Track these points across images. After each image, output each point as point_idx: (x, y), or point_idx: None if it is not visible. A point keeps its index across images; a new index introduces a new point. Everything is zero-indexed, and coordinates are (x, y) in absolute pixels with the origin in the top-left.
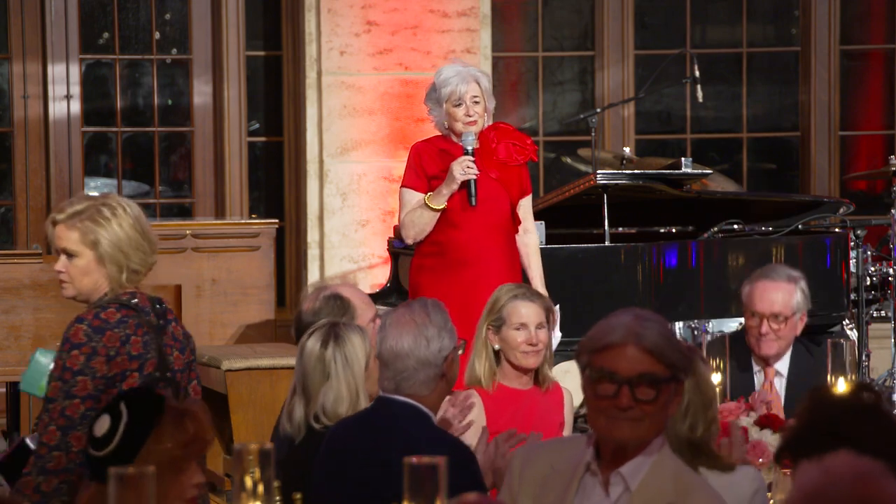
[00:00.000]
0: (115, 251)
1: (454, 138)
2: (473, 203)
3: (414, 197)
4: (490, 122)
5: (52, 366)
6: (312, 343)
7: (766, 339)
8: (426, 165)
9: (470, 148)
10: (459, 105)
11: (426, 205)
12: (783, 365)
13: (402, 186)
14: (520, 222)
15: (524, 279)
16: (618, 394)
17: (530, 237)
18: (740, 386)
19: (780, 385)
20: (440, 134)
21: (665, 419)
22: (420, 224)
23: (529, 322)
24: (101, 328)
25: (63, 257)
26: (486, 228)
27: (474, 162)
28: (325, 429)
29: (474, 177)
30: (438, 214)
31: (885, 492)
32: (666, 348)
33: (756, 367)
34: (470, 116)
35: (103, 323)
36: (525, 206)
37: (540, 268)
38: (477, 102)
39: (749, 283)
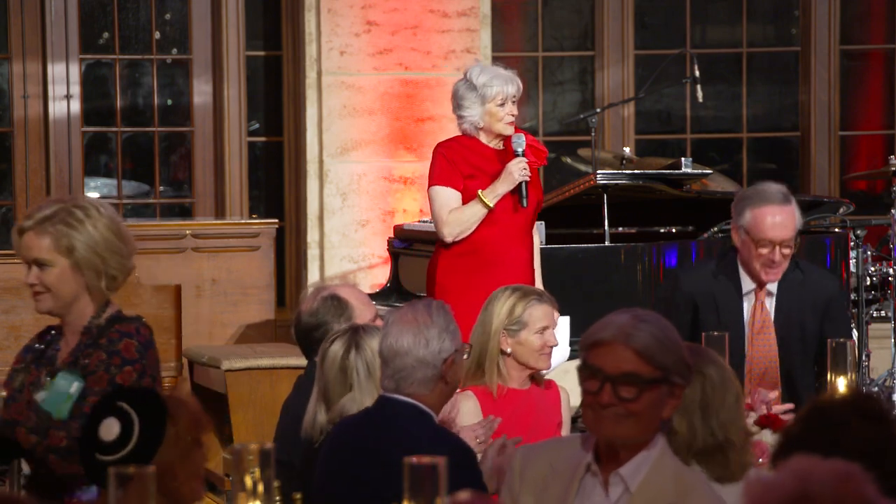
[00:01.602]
0: (91, 255)
1: (483, 138)
2: (525, 204)
3: (453, 195)
4: None
5: (74, 387)
6: (334, 350)
7: (777, 265)
8: (460, 165)
9: (520, 150)
10: (504, 105)
11: (481, 201)
12: (772, 284)
13: (434, 185)
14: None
15: None
16: (600, 390)
17: (536, 238)
18: (731, 312)
19: (770, 304)
20: (462, 135)
21: (656, 420)
22: (469, 222)
23: (550, 324)
24: (146, 345)
25: (34, 268)
26: (517, 229)
27: (528, 164)
28: None
29: (528, 179)
30: (486, 212)
31: (865, 493)
32: (657, 350)
33: (745, 290)
34: (513, 116)
35: (146, 340)
36: (537, 211)
37: (539, 269)
38: (514, 103)
39: (749, 208)
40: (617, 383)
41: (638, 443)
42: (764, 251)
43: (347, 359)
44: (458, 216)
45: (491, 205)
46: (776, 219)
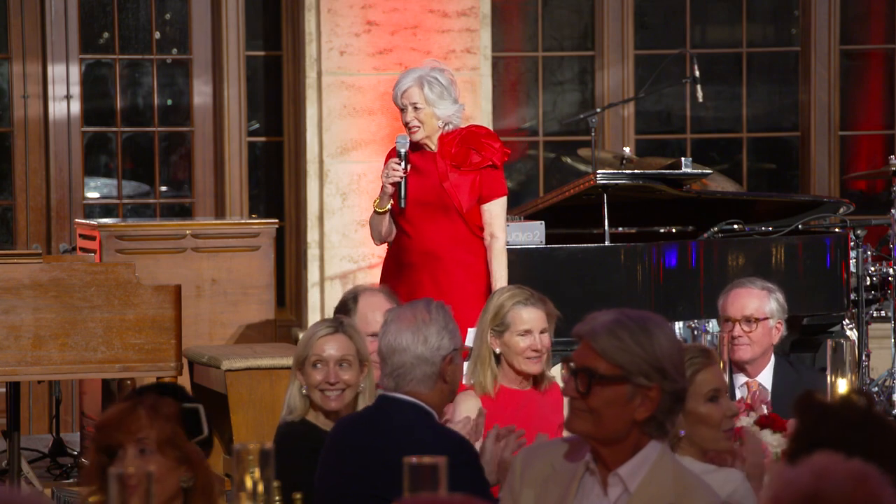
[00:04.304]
0: None
1: (426, 142)
2: (402, 205)
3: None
4: (459, 125)
5: None
6: None
7: (739, 342)
8: None
9: (402, 151)
10: (403, 110)
11: (374, 209)
12: (766, 378)
13: None
14: (482, 227)
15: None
16: (567, 382)
17: (494, 242)
18: None
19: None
20: None
21: (621, 420)
22: (373, 227)
23: (534, 328)
24: None
25: None
26: (431, 232)
27: (402, 164)
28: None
29: (399, 179)
30: (385, 217)
31: (881, 494)
32: (615, 350)
33: (739, 382)
34: (407, 122)
35: None
36: (490, 211)
37: (501, 272)
38: (417, 108)
39: (723, 293)
40: (577, 376)
41: (609, 441)
42: (726, 329)
43: None
44: (369, 221)
45: (378, 210)
46: (739, 298)
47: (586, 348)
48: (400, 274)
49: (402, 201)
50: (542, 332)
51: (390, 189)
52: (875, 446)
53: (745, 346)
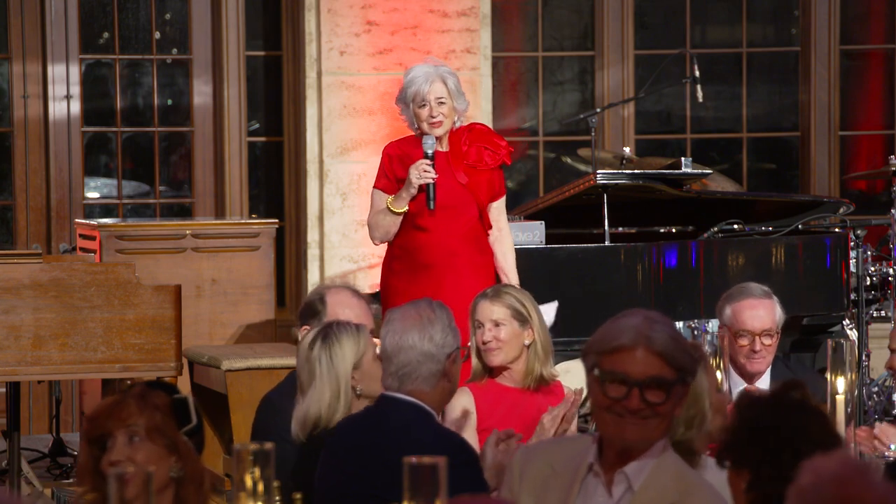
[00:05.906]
0: None
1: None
2: (431, 207)
3: (382, 199)
4: (464, 123)
5: None
6: (304, 345)
7: (759, 356)
8: (395, 167)
9: (430, 151)
10: (424, 106)
11: (388, 208)
12: (764, 382)
13: (373, 188)
14: (491, 225)
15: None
16: (628, 396)
17: (505, 236)
18: None
19: None
20: (413, 135)
21: (671, 420)
22: (384, 227)
23: (483, 319)
24: None
25: None
26: (451, 233)
27: (432, 165)
28: (316, 433)
29: (431, 181)
30: (400, 218)
31: (868, 493)
32: (675, 351)
33: (737, 388)
34: (434, 118)
35: None
36: (497, 208)
37: (512, 267)
38: (442, 103)
39: (729, 303)
40: (645, 388)
41: (652, 443)
42: (745, 342)
43: (312, 350)
44: (375, 220)
45: (397, 210)
46: (755, 311)
47: (646, 356)
48: (416, 276)
49: (432, 203)
50: (494, 324)
51: (415, 191)
52: (803, 428)
53: (763, 359)
